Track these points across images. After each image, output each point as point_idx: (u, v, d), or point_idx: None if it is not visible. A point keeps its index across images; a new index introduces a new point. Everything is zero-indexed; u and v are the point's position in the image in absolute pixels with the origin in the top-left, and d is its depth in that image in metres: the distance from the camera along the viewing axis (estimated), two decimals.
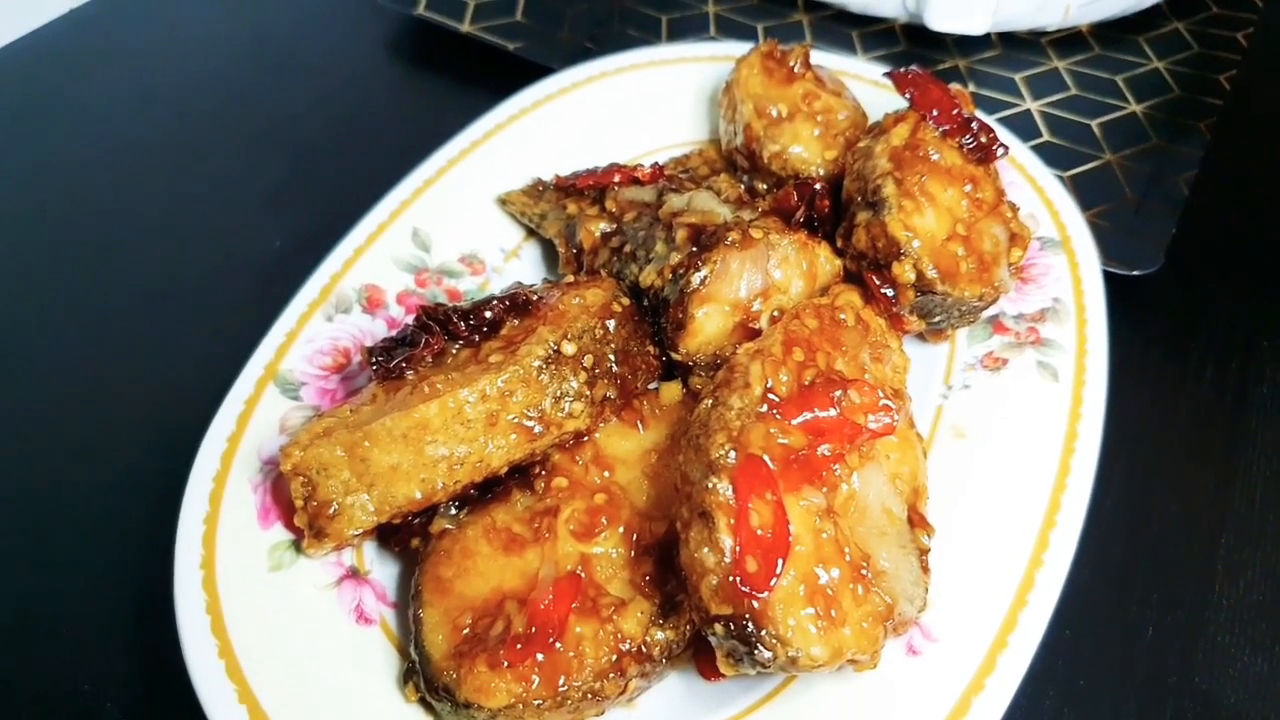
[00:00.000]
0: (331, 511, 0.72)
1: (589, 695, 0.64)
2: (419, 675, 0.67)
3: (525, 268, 1.01)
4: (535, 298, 0.81)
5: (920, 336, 0.89)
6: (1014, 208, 0.89)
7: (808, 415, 0.67)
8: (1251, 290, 1.05)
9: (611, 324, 0.79)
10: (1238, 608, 0.80)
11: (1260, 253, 1.10)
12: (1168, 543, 0.84)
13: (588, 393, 0.75)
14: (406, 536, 0.75)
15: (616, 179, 0.97)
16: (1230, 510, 0.86)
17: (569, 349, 0.75)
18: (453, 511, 0.74)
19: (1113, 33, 1.38)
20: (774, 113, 1.01)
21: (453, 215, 1.00)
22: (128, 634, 0.81)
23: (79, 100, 1.38)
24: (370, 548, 0.77)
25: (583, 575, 0.69)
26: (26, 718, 0.77)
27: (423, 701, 0.68)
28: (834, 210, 0.90)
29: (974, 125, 0.90)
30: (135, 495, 0.88)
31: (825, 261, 0.85)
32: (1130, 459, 0.88)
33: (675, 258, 0.83)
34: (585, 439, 0.77)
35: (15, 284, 1.12)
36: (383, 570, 0.77)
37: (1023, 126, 1.20)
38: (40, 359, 1.04)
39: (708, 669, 0.70)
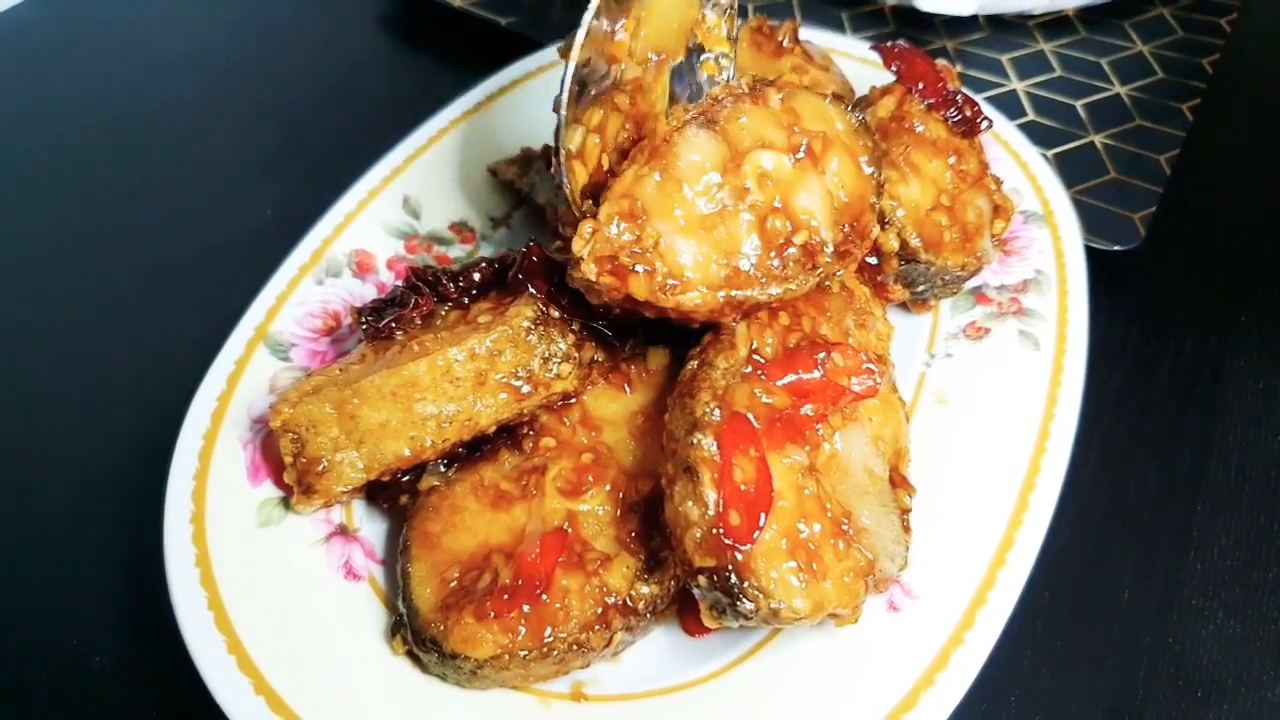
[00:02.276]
0: (320, 468, 0.72)
1: (574, 647, 0.65)
2: (406, 628, 0.68)
3: (515, 236, 1.02)
4: None
5: (904, 306, 0.90)
6: (998, 180, 0.90)
7: (792, 377, 0.68)
8: (1229, 266, 1.07)
9: None
10: (1211, 572, 0.81)
11: (1238, 230, 1.11)
12: (1145, 509, 0.85)
13: (576, 354, 0.76)
14: (395, 494, 0.76)
15: None
16: (1205, 479, 0.87)
17: (557, 311, 0.75)
18: (441, 469, 0.75)
19: (1098, 16, 1.39)
20: None
21: (443, 183, 1.01)
22: (117, 589, 0.81)
23: (69, 73, 1.38)
24: (359, 505, 0.78)
25: (569, 531, 0.69)
26: (16, 671, 0.77)
27: (410, 654, 0.68)
28: None
29: (959, 99, 0.91)
30: (126, 454, 0.89)
31: None
32: (1109, 428, 0.90)
33: None
34: (573, 400, 0.77)
35: (10, 255, 1.12)
36: (371, 527, 0.77)
37: (1009, 106, 1.21)
38: (37, 326, 1.04)
39: (692, 624, 0.71)
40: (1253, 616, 0.79)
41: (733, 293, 0.69)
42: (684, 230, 0.69)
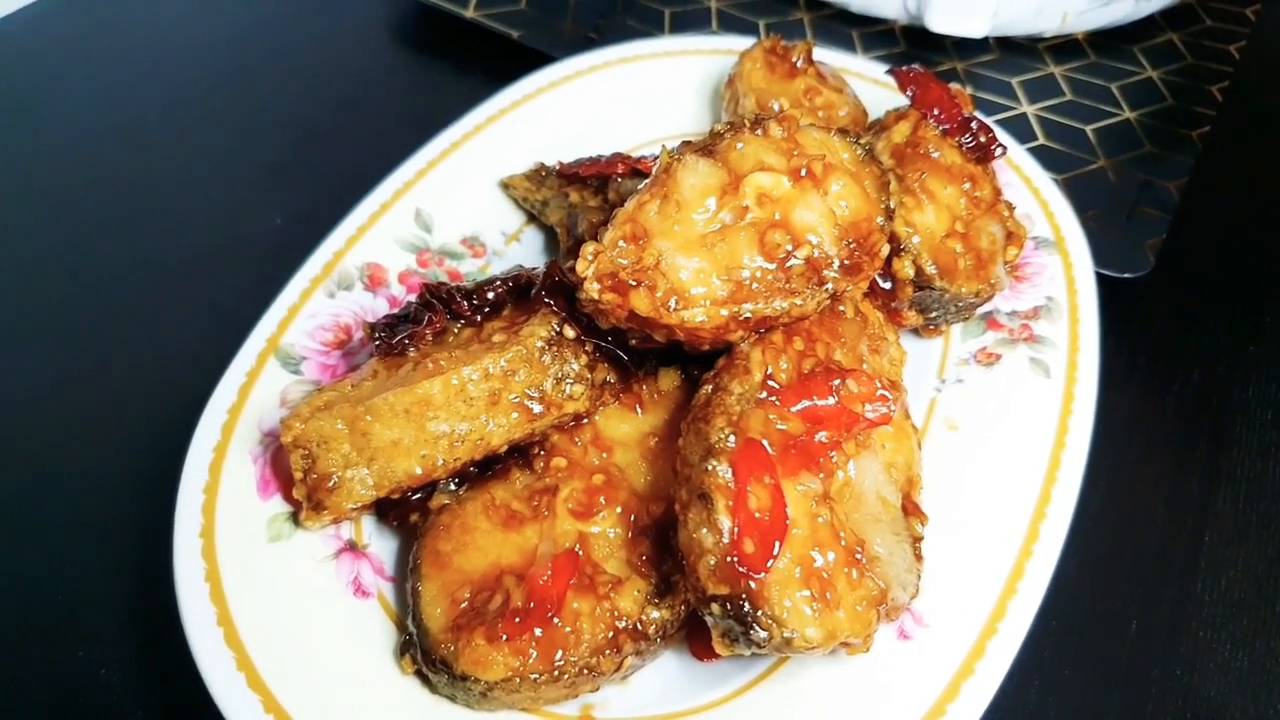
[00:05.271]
0: (331, 484, 0.72)
1: (585, 671, 0.65)
2: (416, 647, 0.68)
3: (526, 252, 1.02)
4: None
5: (914, 331, 0.90)
6: (1010, 206, 0.90)
7: (806, 403, 0.68)
8: (1239, 296, 1.07)
9: None
10: (1219, 604, 0.81)
11: (1248, 260, 1.12)
12: (1153, 539, 0.85)
13: (588, 375, 0.76)
14: (405, 511, 0.76)
15: (619, 169, 0.98)
16: (1213, 510, 0.87)
17: (570, 331, 0.75)
18: (452, 488, 0.74)
19: (1108, 41, 1.40)
20: (775, 107, 1.02)
21: (455, 197, 1.01)
22: (125, 602, 0.81)
23: (80, 78, 1.37)
24: (369, 521, 0.78)
25: (580, 553, 0.69)
26: (22, 685, 0.77)
27: (419, 674, 0.68)
28: None
29: (973, 125, 0.91)
30: (136, 466, 0.89)
31: None
32: (1118, 457, 0.90)
33: None
34: (585, 421, 0.77)
35: (18, 261, 1.12)
36: (381, 544, 0.77)
37: (1019, 130, 1.21)
38: (44, 334, 1.04)
39: (701, 649, 0.71)
40: (1260, 649, 0.79)
41: (736, 308, 0.69)
42: (685, 248, 0.70)
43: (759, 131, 0.76)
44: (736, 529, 0.61)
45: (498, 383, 0.72)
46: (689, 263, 0.70)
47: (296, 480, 0.73)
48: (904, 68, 0.96)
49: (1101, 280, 0.95)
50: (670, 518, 0.67)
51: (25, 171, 1.23)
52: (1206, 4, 1.48)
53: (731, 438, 0.64)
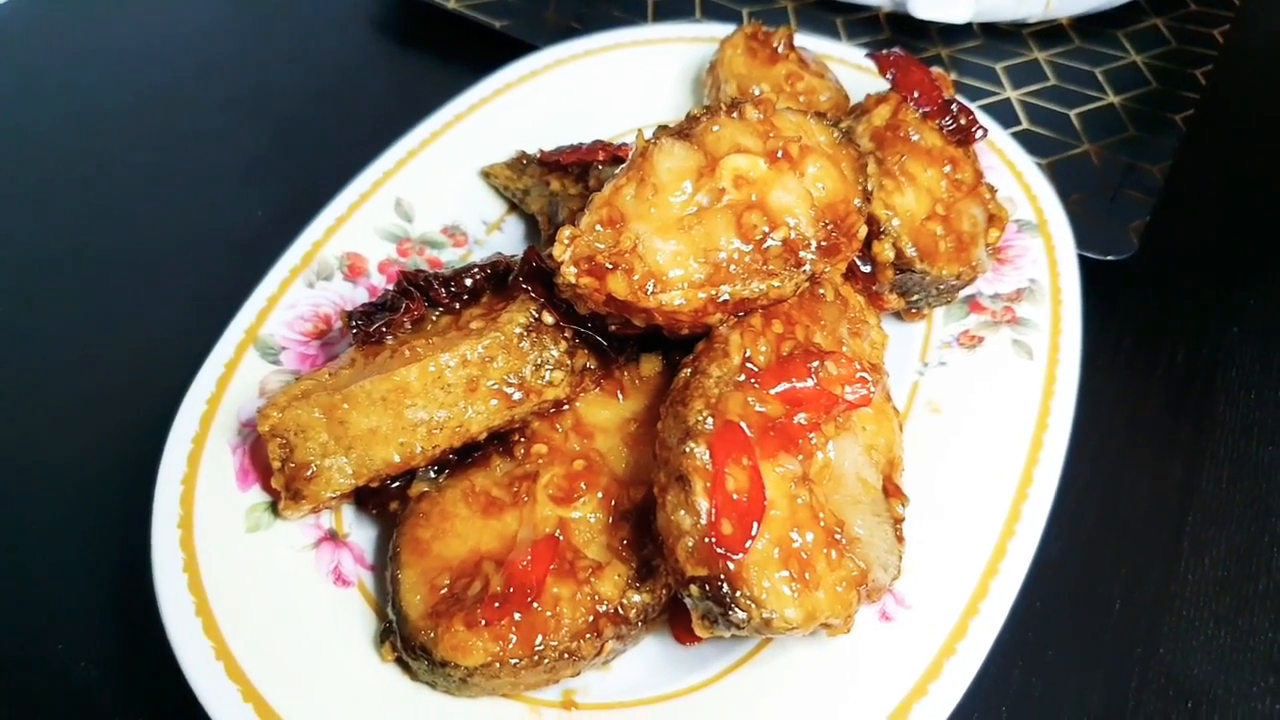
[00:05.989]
0: (309, 473, 0.72)
1: (565, 655, 0.65)
2: (396, 635, 0.67)
3: (507, 240, 1.02)
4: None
5: (897, 315, 0.90)
6: (992, 189, 0.90)
7: (785, 385, 0.68)
8: (1222, 278, 1.07)
9: None
10: (1202, 583, 0.81)
11: (1231, 242, 1.12)
12: (1136, 519, 0.85)
13: (568, 361, 0.76)
14: (385, 500, 0.75)
15: (600, 157, 0.98)
16: (1197, 489, 0.87)
17: (549, 317, 0.75)
18: (431, 475, 0.74)
19: (1092, 26, 1.39)
20: (757, 93, 1.02)
21: (436, 186, 1.01)
22: (103, 594, 0.81)
23: (56, 70, 1.37)
24: (349, 510, 0.77)
25: (561, 538, 0.69)
26: (1, 676, 0.76)
27: (399, 661, 0.68)
28: None
29: (954, 107, 0.91)
30: (114, 457, 0.89)
31: None
32: (1101, 438, 0.89)
33: None
34: (565, 407, 0.77)
35: None
36: (361, 533, 0.77)
37: (1003, 115, 1.21)
38: (22, 325, 1.03)
39: (683, 633, 0.71)
40: (1243, 627, 0.79)
41: (714, 290, 0.69)
42: (661, 231, 0.70)
43: (735, 114, 0.76)
44: (714, 510, 0.60)
45: (475, 369, 0.72)
46: (666, 246, 0.70)
47: (274, 470, 0.72)
48: (884, 51, 0.96)
49: (1086, 264, 0.95)
50: (651, 502, 0.67)
51: (2, 164, 1.22)
52: None
53: (709, 420, 0.64)
